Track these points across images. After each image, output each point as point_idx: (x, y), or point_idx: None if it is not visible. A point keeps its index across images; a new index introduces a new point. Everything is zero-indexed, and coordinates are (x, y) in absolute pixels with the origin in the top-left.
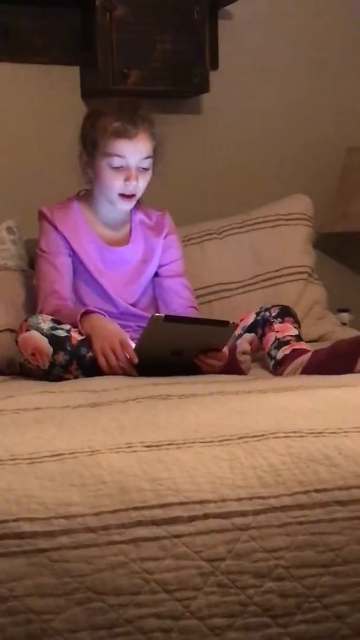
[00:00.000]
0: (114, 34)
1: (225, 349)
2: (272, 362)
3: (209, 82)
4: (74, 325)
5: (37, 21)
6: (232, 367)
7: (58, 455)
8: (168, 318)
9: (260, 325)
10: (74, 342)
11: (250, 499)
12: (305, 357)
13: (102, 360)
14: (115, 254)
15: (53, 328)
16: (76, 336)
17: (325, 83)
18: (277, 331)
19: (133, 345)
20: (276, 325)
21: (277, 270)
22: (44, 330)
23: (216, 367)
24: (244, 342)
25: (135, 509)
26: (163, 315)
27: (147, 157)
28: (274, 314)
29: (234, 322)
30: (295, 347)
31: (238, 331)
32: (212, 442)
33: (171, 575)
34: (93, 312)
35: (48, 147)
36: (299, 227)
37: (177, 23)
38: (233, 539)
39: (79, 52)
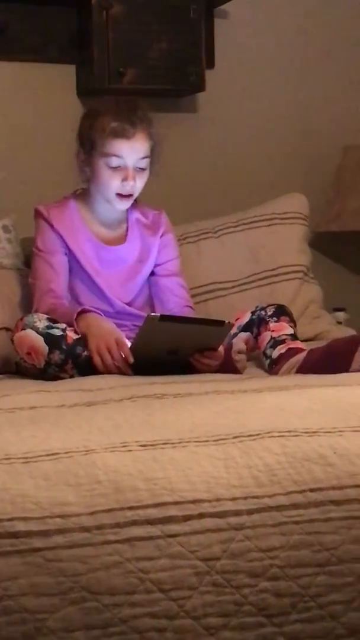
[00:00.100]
0: (110, 33)
1: (221, 348)
2: (268, 361)
3: (205, 80)
4: (70, 324)
5: (33, 20)
6: (228, 366)
7: (53, 454)
8: (164, 317)
9: (255, 325)
10: (70, 341)
11: (245, 498)
12: (300, 356)
13: (97, 359)
14: (112, 253)
15: (49, 327)
16: (72, 335)
17: (321, 82)
18: (273, 330)
19: (129, 344)
20: (272, 325)
21: (272, 269)
22: (40, 329)
23: (212, 367)
24: (240, 341)
25: (130, 508)
26: (159, 314)
27: (144, 157)
28: (269, 313)
29: (229, 322)
30: (291, 346)
31: (234, 330)
32: (207, 441)
33: (166, 574)
34: (89, 311)
35: (44, 146)
36: (295, 226)
37: (173, 22)
38: (228, 539)
39: (74, 50)
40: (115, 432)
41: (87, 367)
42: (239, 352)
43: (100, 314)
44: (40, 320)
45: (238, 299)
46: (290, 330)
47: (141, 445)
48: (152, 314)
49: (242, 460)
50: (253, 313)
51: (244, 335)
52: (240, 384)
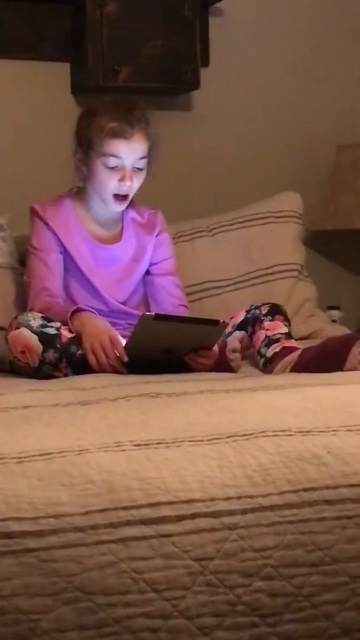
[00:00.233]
0: (105, 31)
1: (215, 347)
2: (262, 360)
3: (200, 79)
4: (64, 323)
5: (28, 17)
6: (222, 365)
7: (47, 454)
8: (158, 317)
9: (250, 323)
10: (64, 339)
11: (239, 498)
12: (295, 355)
13: (91, 358)
14: (107, 252)
15: (43, 326)
16: (66, 334)
17: (316, 80)
18: (267, 329)
19: (123, 342)
20: (266, 323)
21: (267, 268)
22: (34, 328)
23: (206, 366)
24: (234, 340)
25: (124, 508)
26: (153, 313)
27: (142, 158)
28: (264, 312)
29: (224, 321)
30: (285, 344)
31: (228, 329)
32: (201, 441)
33: (160, 574)
34: (83, 310)
35: (38, 144)
36: (290, 225)
37: (168, 20)
38: (222, 539)
39: (69, 48)
40: (109, 432)
41: (81, 366)
42: (234, 351)
43: (95, 313)
44: (35, 319)
45: (232, 298)
46: (285, 329)
47: (135, 445)
48: (147, 313)
49: (236, 459)
50: (248, 312)
51: (239, 334)
52: (234, 382)
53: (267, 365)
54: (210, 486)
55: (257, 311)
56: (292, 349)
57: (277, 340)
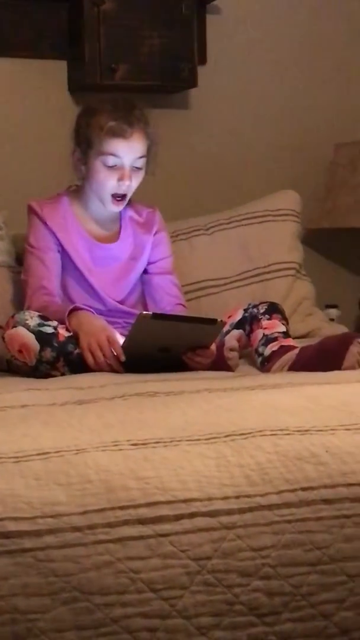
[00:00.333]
0: (102, 29)
1: (213, 346)
2: (260, 359)
3: (197, 77)
4: (62, 322)
5: (25, 15)
6: (220, 364)
7: (44, 453)
8: (156, 316)
9: (248, 322)
10: (61, 338)
11: (237, 497)
12: (292, 354)
13: (88, 357)
14: (105, 251)
15: (40, 324)
16: (63, 333)
17: (314, 79)
18: (265, 328)
19: (121, 341)
20: (264, 322)
21: (265, 267)
22: (31, 327)
23: (204, 365)
24: (232, 338)
25: (122, 507)
26: (151, 312)
27: (141, 157)
28: (262, 311)
29: (221, 320)
30: (283, 343)
31: (226, 328)
32: (199, 440)
33: (157, 574)
34: (81, 308)
35: (35, 142)
36: (287, 223)
37: (165, 18)
38: (220, 538)
39: (66, 46)
40: (107, 431)
41: (78, 365)
42: (231, 350)
43: (92, 312)
44: (32, 318)
45: (230, 296)
46: (283, 328)
47: (132, 444)
48: (144, 312)
49: (234, 459)
50: (245, 310)
51: (236, 332)
52: (232, 381)
53: (265, 364)
54: (208, 485)
55: (255, 310)
56: (290, 348)
57: (275, 339)
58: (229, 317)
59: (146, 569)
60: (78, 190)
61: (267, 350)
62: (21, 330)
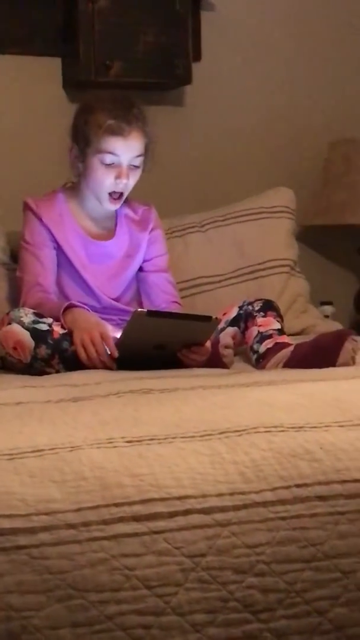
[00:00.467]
0: (96, 25)
1: (208, 344)
2: (255, 356)
3: (192, 73)
4: (57, 319)
5: (18, 12)
6: (215, 361)
7: (38, 450)
8: (151, 313)
9: (243, 319)
10: (56, 335)
11: (231, 494)
12: (287, 351)
13: (81, 352)
14: (100, 248)
15: (35, 322)
16: (58, 330)
17: (308, 76)
18: (260, 325)
19: (118, 335)
20: (259, 319)
21: (260, 264)
22: (26, 324)
23: (198, 362)
24: (227, 336)
25: (116, 505)
26: (146, 310)
27: (138, 155)
28: (256, 308)
29: (216, 317)
30: (278, 340)
31: (221, 325)
32: (193, 437)
33: (152, 571)
34: (76, 306)
35: (30, 139)
36: (282, 220)
37: (159, 14)
38: (214, 535)
39: (60, 43)
40: (101, 428)
41: (73, 362)
42: (226, 347)
43: (88, 309)
44: (27, 315)
45: (225, 294)
46: (278, 325)
47: (127, 441)
48: (139, 309)
49: (228, 456)
50: (240, 308)
51: (231, 330)
52: (227, 379)
53: (260, 361)
54: (202, 482)
55: (250, 307)
56: (285, 345)
57: (270, 336)
58: (224, 314)
59: (141, 566)
60: (74, 187)
61: (262, 348)
62: (16, 327)
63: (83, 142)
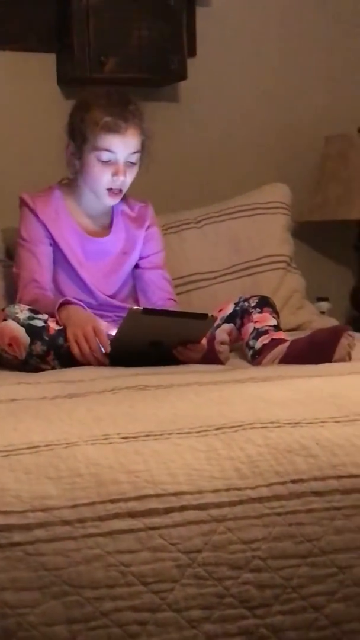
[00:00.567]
0: (91, 21)
1: (204, 341)
2: (251, 352)
3: (187, 69)
4: (53, 315)
5: (12, 8)
6: (211, 357)
7: (33, 447)
8: (146, 311)
9: (239, 316)
10: (52, 332)
11: (227, 490)
12: (283, 347)
13: (74, 347)
14: (96, 245)
15: (30, 318)
16: (53, 326)
17: (304, 71)
18: (256, 321)
19: (113, 333)
20: (255, 316)
21: (255, 260)
22: (21, 320)
23: (194, 359)
24: (223, 332)
25: (112, 501)
26: (141, 308)
27: (135, 152)
28: (252, 304)
29: (212, 315)
30: (274, 336)
31: (217, 321)
32: (189, 433)
33: (148, 567)
34: (71, 302)
35: (24, 135)
36: (277, 216)
37: (154, 10)
38: (210, 531)
39: (55, 39)
40: (97, 425)
41: (69, 359)
42: (222, 343)
43: (83, 306)
44: (22, 311)
45: (221, 290)
46: (274, 322)
47: (123, 438)
48: (135, 307)
49: (224, 452)
50: (236, 304)
51: (227, 326)
52: (222, 375)
53: (256, 358)
54: (198, 478)
55: (246, 303)
56: (281, 341)
57: (266, 333)
58: (220, 310)
59: (136, 562)
60: (70, 184)
61: (258, 344)
62: (11, 323)
63: (79, 139)
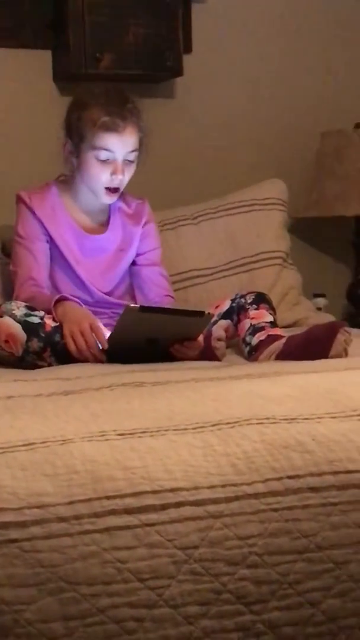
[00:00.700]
0: (86, 17)
1: (200, 338)
2: (247, 349)
3: (183, 66)
4: (49, 312)
5: (7, 4)
6: (207, 354)
7: (30, 444)
8: (143, 308)
9: (235, 312)
10: (48, 328)
11: (224, 486)
12: (280, 343)
13: (70, 344)
14: (93, 242)
15: (27, 314)
16: (50, 323)
17: (300, 67)
18: (253, 318)
19: (107, 333)
20: (251, 312)
21: (252, 256)
22: (18, 317)
23: (190, 356)
24: (219, 328)
25: (108, 497)
26: (138, 305)
27: (133, 150)
28: (249, 301)
29: (209, 313)
30: (270, 333)
31: (213, 318)
32: (185, 429)
33: (144, 564)
34: (67, 299)
35: (20, 132)
36: (274, 212)
37: (150, 6)
38: (206, 527)
39: (50, 35)
40: (93, 421)
41: (65, 355)
42: (219, 340)
43: (79, 303)
44: (19, 308)
45: (217, 286)
46: (270, 318)
47: (119, 434)
48: (132, 304)
49: (220, 448)
50: (233, 300)
51: (224, 322)
52: (219, 371)
53: (253, 354)
54: (194, 475)
55: (243, 300)
56: (277, 337)
57: (262, 329)
58: (217, 307)
59: (133, 558)
60: (67, 181)
61: (255, 340)
62: (8, 320)
63: (77, 137)
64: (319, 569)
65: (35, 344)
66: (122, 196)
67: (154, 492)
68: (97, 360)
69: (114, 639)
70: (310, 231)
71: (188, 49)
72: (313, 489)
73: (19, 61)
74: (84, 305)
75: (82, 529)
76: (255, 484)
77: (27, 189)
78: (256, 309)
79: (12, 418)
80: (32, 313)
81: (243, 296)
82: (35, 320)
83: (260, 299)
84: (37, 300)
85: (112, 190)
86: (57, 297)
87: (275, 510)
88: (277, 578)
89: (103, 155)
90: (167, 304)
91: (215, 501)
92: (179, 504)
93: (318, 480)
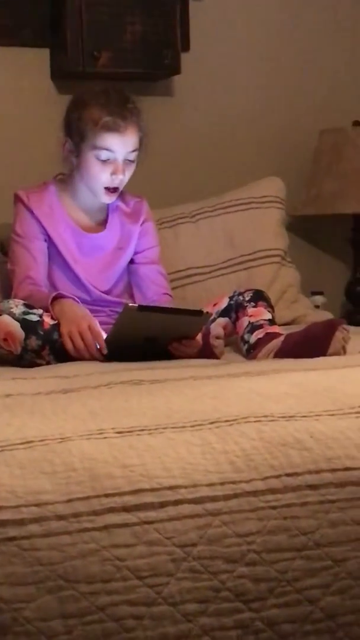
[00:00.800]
0: (84, 16)
1: (199, 337)
2: (246, 346)
3: (181, 64)
4: (47, 310)
5: (5, 3)
6: (206, 352)
7: (28, 442)
8: (142, 307)
9: (233, 310)
10: (46, 326)
11: (222, 484)
12: (278, 341)
13: (68, 343)
14: (91, 240)
15: (25, 313)
16: (48, 321)
17: (298, 65)
18: (251, 315)
19: (104, 335)
20: (250, 310)
21: (250, 254)
22: (16, 315)
23: (189, 355)
24: (218, 326)
25: (107, 495)
26: (137, 304)
27: (134, 150)
28: (247, 298)
29: (207, 312)
30: (269, 330)
31: (212, 316)
32: (184, 427)
33: (143, 561)
34: (64, 296)
35: (18, 130)
36: (272, 210)
37: (147, 4)
38: (205, 524)
39: (48, 34)
40: (92, 419)
41: (64, 354)
42: (217, 338)
43: (77, 300)
44: (17, 306)
45: (215, 284)
46: (268, 315)
47: (117, 432)
48: (130, 304)
49: (218, 445)
50: (231, 298)
51: (222, 320)
52: (217, 369)
53: (251, 352)
54: (193, 472)
55: (241, 297)
56: (276, 335)
57: (261, 327)
58: (215, 304)
59: (131, 556)
60: (65, 180)
61: (253, 338)
62: (6, 318)
63: (77, 137)
64: (318, 566)
65: (34, 342)
66: (121, 195)
67: (153, 489)
68: (94, 360)
69: (113, 636)
70: (308, 229)
71: (186, 47)
72: (311, 487)
73: (18, 59)
74: (80, 303)
75: (80, 526)
76: (253, 481)
77: (25, 188)
78: (254, 306)
79: (11, 416)
80: (31, 311)
81: (241, 294)
82: (34, 318)
83: (259, 297)
84: (34, 298)
85: (111, 190)
86: (53, 294)
87: (274, 507)
88: (276, 575)
89: (104, 155)
90: (166, 302)
91: (213, 499)
92: (177, 502)
93: (316, 477)
